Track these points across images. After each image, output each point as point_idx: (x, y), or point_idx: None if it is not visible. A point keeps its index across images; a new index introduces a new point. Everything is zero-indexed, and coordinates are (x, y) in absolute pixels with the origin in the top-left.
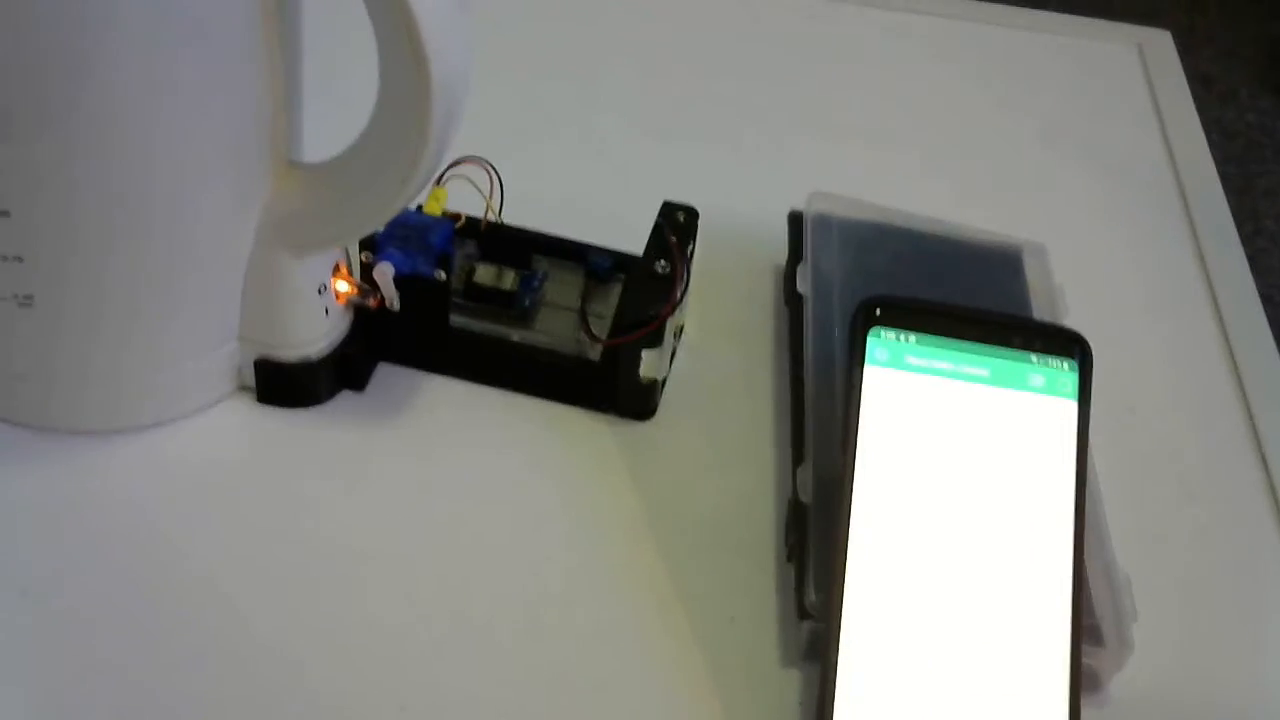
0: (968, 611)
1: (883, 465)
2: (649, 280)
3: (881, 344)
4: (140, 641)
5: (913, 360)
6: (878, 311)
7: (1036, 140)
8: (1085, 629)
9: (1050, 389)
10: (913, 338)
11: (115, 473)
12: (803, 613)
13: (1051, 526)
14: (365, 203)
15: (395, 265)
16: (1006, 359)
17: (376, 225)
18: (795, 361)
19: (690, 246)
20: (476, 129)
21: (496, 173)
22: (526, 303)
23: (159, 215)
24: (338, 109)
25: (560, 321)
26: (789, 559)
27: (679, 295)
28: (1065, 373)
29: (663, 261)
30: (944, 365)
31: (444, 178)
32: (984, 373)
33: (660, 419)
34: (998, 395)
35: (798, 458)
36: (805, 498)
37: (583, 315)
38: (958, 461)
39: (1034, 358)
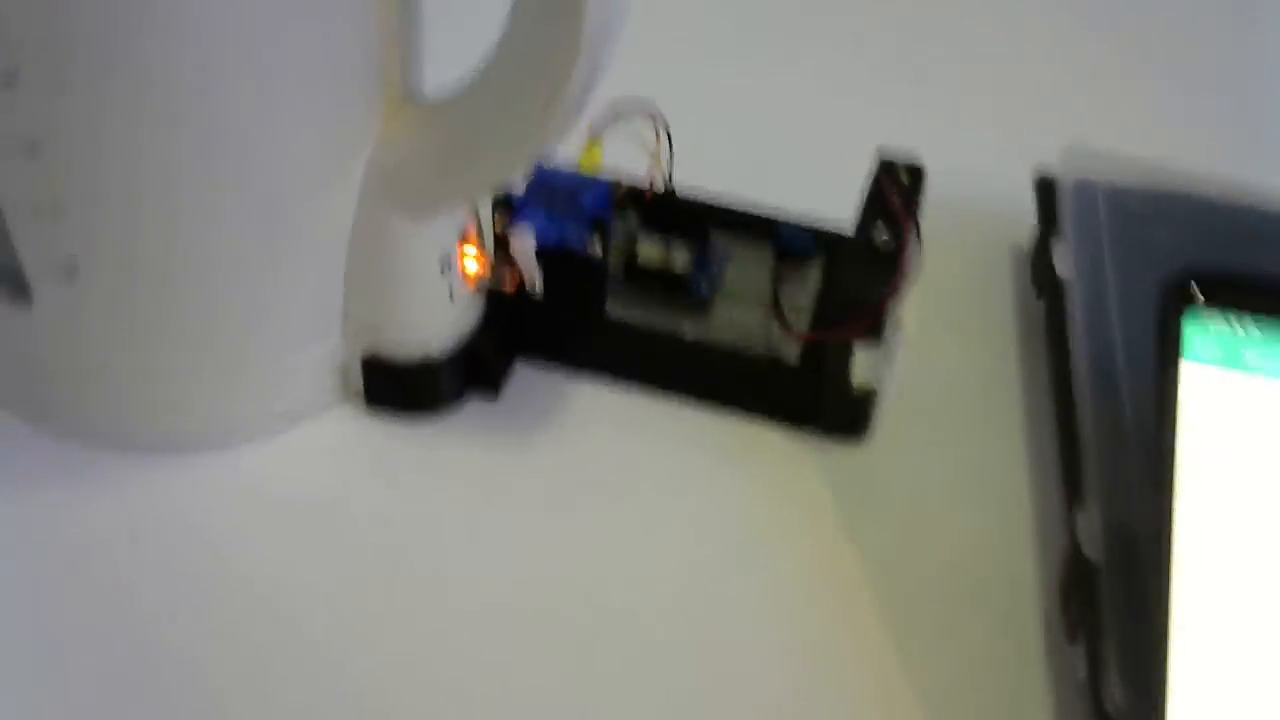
0: None
1: (1216, 507)
2: (865, 256)
3: (1205, 335)
4: (224, 701)
5: (1252, 357)
6: (1198, 289)
7: None
8: None
9: None
10: (1252, 325)
11: (195, 499)
12: (1101, 716)
13: None
14: (497, 141)
15: (537, 233)
16: None
17: (513, 173)
18: (1058, 365)
19: (918, 212)
20: (637, 70)
21: (666, 125)
22: (703, 289)
23: (234, 164)
24: (470, 29)
25: (746, 312)
26: (1072, 638)
27: (907, 274)
28: None
29: (881, 230)
30: None
31: (596, 132)
32: None
33: (877, 440)
34: None
35: (1074, 497)
36: (1093, 553)
37: (775, 304)
38: None
39: None
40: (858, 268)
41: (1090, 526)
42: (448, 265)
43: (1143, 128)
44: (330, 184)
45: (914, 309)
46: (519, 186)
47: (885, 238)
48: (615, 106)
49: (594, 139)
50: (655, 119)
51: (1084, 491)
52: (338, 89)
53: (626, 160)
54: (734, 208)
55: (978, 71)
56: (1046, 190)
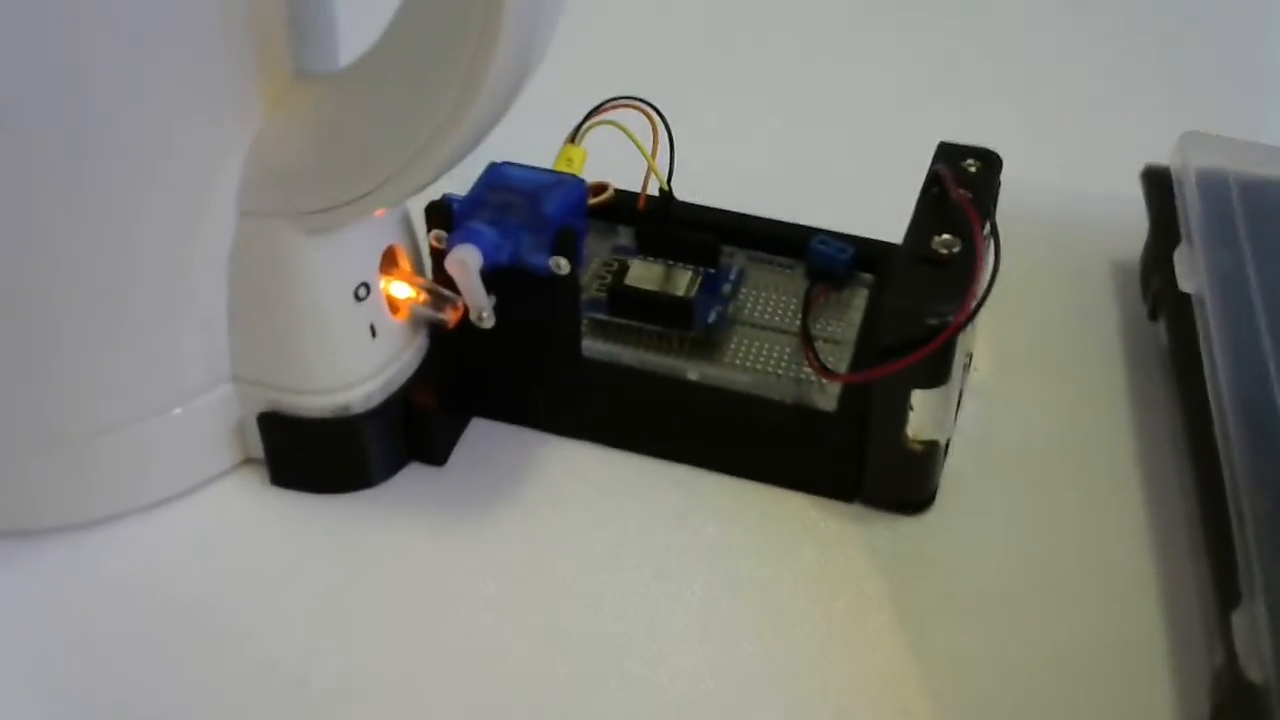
0: None
1: None
2: (924, 270)
3: None
4: None
5: None
6: None
7: None
8: None
9: None
10: None
11: (41, 592)
12: None
13: None
14: (401, 126)
15: (484, 250)
16: None
17: (427, 169)
18: (1190, 407)
19: (993, 210)
20: (634, 64)
21: (664, 121)
22: (711, 318)
23: (60, 162)
24: None
25: (767, 348)
26: None
27: (982, 290)
28: None
29: (945, 235)
30: None
31: (582, 130)
32: None
33: (942, 513)
34: None
35: (1227, 592)
36: (1256, 671)
37: (805, 337)
38: None
39: None
40: (914, 286)
41: (1252, 634)
42: (366, 290)
43: (1241, 119)
44: (198, 185)
45: (988, 339)
46: (463, 188)
47: (947, 241)
48: (605, 102)
49: (574, 145)
50: (652, 116)
51: (1240, 584)
52: (199, 60)
53: (616, 168)
54: (753, 217)
55: (1043, 67)
56: (1159, 185)
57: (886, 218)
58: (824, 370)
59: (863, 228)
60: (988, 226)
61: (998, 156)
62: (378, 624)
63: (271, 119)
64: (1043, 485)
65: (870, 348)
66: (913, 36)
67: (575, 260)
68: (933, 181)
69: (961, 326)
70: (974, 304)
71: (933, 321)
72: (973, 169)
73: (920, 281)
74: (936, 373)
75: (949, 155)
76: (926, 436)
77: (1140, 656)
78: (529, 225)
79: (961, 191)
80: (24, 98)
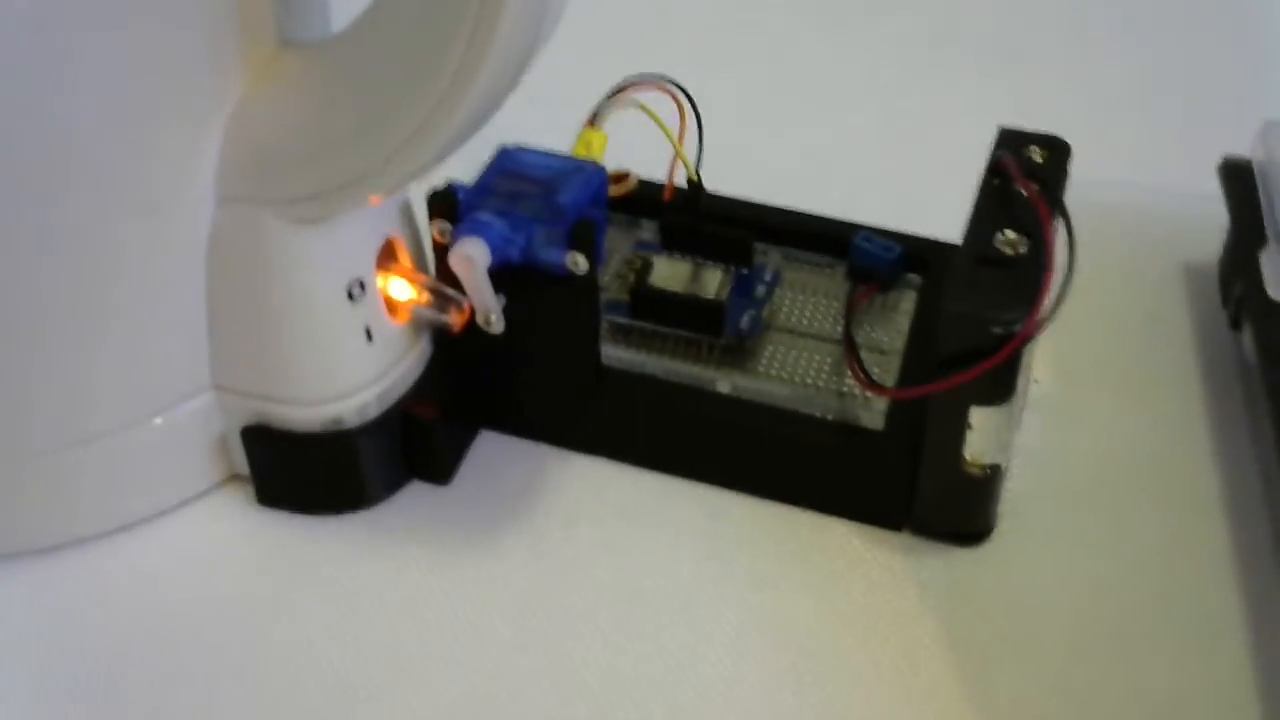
0: None
1: None
2: (984, 270)
3: None
4: None
5: None
6: None
7: None
8: None
9: None
10: None
11: (10, 617)
12: None
13: None
14: (408, 102)
15: (492, 245)
16: None
17: (425, 150)
18: None
19: (1063, 201)
20: (658, 40)
21: (693, 103)
22: (744, 323)
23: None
24: None
25: (805, 357)
26: None
27: (1055, 295)
28: None
29: (1010, 233)
30: None
31: (602, 112)
32: None
33: (1001, 544)
34: None
35: None
36: None
37: (849, 346)
38: None
39: None
40: (977, 289)
41: None
42: (359, 289)
43: None
44: (170, 165)
45: (1049, 350)
46: (470, 175)
47: (1011, 238)
48: (625, 81)
49: (592, 128)
50: (678, 98)
51: None
52: (170, 21)
53: (638, 156)
54: (790, 212)
55: (1108, 46)
56: (1240, 179)
57: (935, 213)
58: (870, 383)
59: (909, 223)
60: (1059, 218)
61: (1066, 143)
62: (374, 661)
63: (253, 91)
64: (1114, 513)
65: (922, 358)
66: (964, 13)
67: (594, 257)
68: (994, 171)
69: (1031, 337)
70: (1045, 311)
71: (998, 330)
72: (1038, 157)
73: (983, 285)
74: (1000, 388)
75: (1011, 142)
76: (987, 460)
77: (1229, 704)
78: (543, 217)
79: (1027, 183)
80: None
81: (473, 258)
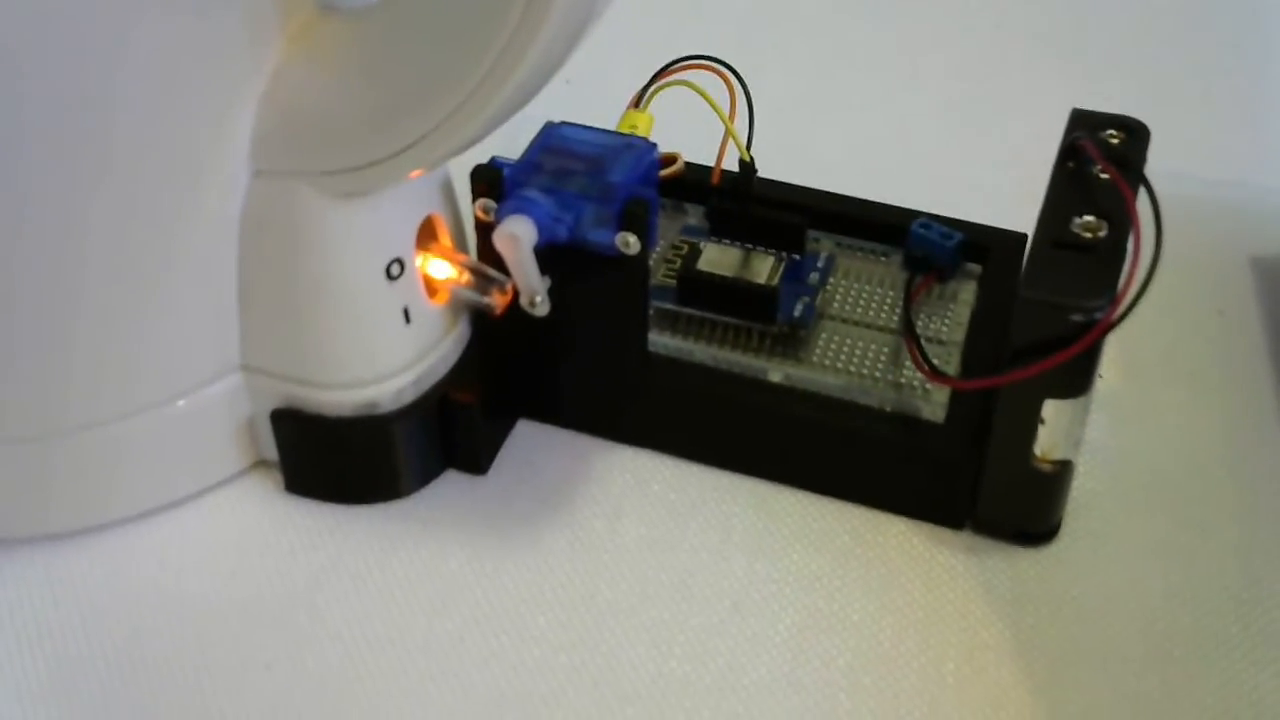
0: None
1: None
2: (1062, 255)
3: None
4: None
5: None
6: None
7: None
8: None
9: None
10: None
11: (7, 609)
12: None
13: None
14: (448, 65)
15: (539, 223)
16: None
17: (476, 122)
18: None
19: (1147, 183)
20: (706, 20)
21: (743, 84)
22: (797, 311)
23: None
24: None
25: (861, 347)
26: None
27: (1141, 281)
28: None
29: (1088, 217)
30: None
31: (649, 92)
32: None
33: (1069, 544)
34: None
35: None
36: None
37: (909, 334)
38: None
39: None
40: (1055, 275)
41: None
42: (399, 268)
43: None
44: (203, 135)
45: (1115, 343)
46: (514, 152)
47: (1089, 224)
48: (676, 61)
49: (638, 110)
50: (730, 79)
51: None
52: None
53: (683, 139)
54: (845, 197)
55: (1173, 29)
56: None
57: (989, 200)
58: (934, 373)
59: (962, 210)
60: (1146, 198)
61: (1144, 126)
62: (408, 657)
63: (291, 58)
64: (1185, 513)
65: (983, 349)
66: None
67: (646, 238)
68: (1069, 154)
69: (1114, 325)
70: (1129, 298)
71: (1078, 318)
72: (1115, 140)
73: (1062, 270)
74: (1078, 380)
75: (1085, 124)
76: (1058, 455)
77: None
78: (592, 195)
79: (1108, 165)
80: None
81: (519, 236)
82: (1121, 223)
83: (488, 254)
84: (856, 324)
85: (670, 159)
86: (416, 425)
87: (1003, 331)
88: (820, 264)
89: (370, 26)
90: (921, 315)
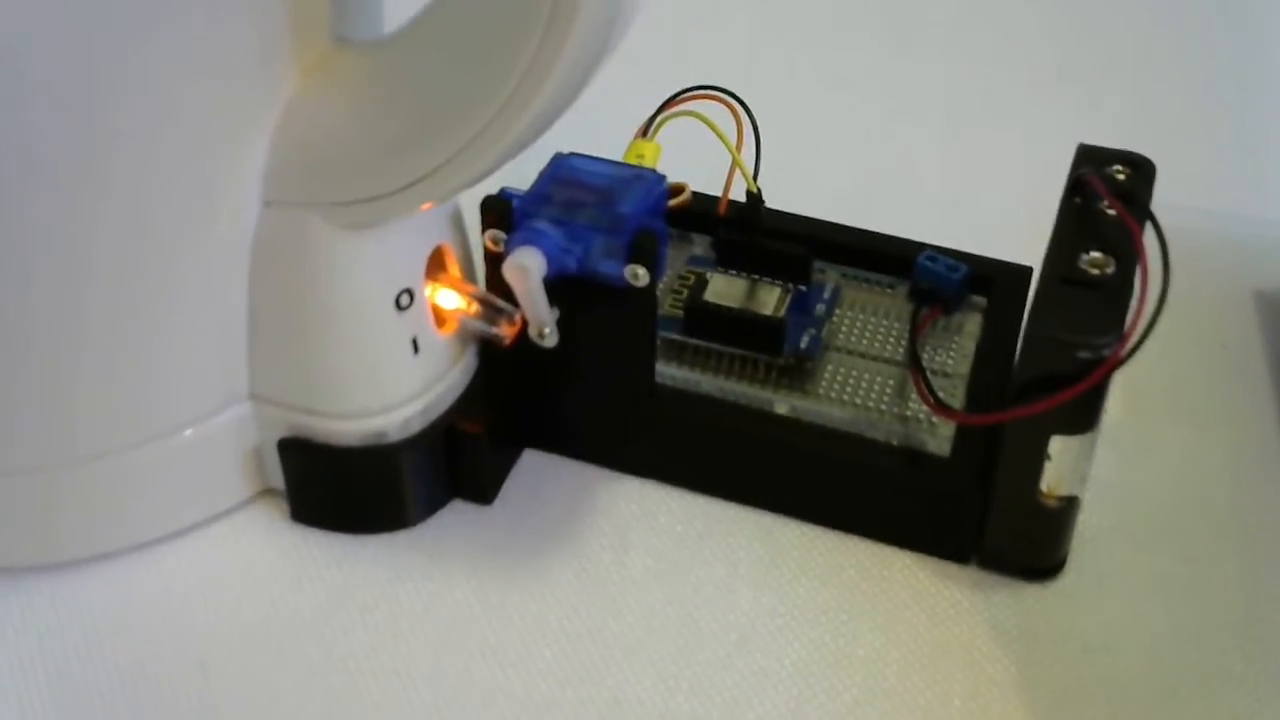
0: None
1: None
2: (1070, 291)
3: None
4: None
5: None
6: None
7: None
8: None
9: None
10: None
11: (15, 637)
12: None
13: None
14: (466, 107)
15: (548, 255)
16: None
17: (490, 154)
18: None
19: (1154, 220)
20: (711, 52)
21: (750, 115)
22: (803, 343)
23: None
24: None
25: (867, 379)
26: None
27: (1148, 318)
28: None
29: (1095, 253)
30: None
31: (656, 122)
32: None
33: (1075, 579)
34: None
35: None
36: None
37: (916, 367)
38: None
39: None
40: (1063, 311)
41: None
42: (408, 298)
43: None
44: (215, 165)
45: (1118, 378)
46: (523, 183)
47: (1097, 260)
48: (683, 91)
49: (645, 133)
50: (736, 109)
51: None
52: (219, 14)
53: (689, 170)
54: (851, 229)
55: (1176, 64)
56: None
57: (998, 233)
58: (940, 407)
59: (970, 243)
60: (1152, 232)
61: (1150, 162)
62: (414, 689)
63: (304, 91)
64: (1190, 549)
65: (988, 383)
66: (1027, 32)
67: (655, 269)
68: (1076, 189)
69: (1121, 362)
70: (1137, 335)
71: (1085, 355)
72: (1121, 175)
73: (1069, 306)
74: (1085, 416)
75: (1092, 159)
76: (1064, 491)
77: None
78: (601, 227)
79: (1114, 200)
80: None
81: (528, 267)
82: (1128, 259)
83: (497, 285)
84: (862, 356)
85: (678, 189)
86: (423, 455)
87: (1008, 364)
88: (826, 295)
89: (385, 60)
90: (927, 348)
